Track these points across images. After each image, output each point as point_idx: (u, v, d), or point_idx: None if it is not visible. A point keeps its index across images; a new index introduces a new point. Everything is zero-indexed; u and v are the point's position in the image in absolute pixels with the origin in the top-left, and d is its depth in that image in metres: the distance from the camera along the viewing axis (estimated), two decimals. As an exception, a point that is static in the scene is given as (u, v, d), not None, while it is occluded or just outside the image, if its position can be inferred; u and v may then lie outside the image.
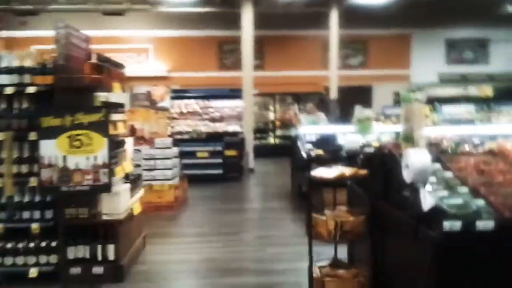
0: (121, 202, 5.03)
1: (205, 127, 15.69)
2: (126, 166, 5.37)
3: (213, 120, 16.36)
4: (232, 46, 18.77)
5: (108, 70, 5.13)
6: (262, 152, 16.85)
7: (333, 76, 17.59)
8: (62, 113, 4.54)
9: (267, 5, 16.73)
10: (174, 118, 16.46)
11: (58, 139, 4.52)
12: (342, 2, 16.68)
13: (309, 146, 8.75)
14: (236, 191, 11.17)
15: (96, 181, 4.68)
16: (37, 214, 4.93)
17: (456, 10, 17.18)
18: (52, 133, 4.50)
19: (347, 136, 6.04)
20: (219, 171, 12.11)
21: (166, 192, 8.52)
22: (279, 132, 18.97)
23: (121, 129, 5.49)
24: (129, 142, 5.92)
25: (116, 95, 5.51)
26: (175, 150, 9.03)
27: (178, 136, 13.13)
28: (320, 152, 8.15)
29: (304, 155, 8.44)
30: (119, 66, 5.63)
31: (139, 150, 8.62)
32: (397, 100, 19.71)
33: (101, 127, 4.63)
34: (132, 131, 9.16)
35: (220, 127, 15.88)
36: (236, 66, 17.42)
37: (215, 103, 15.56)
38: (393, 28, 19.28)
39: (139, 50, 18.94)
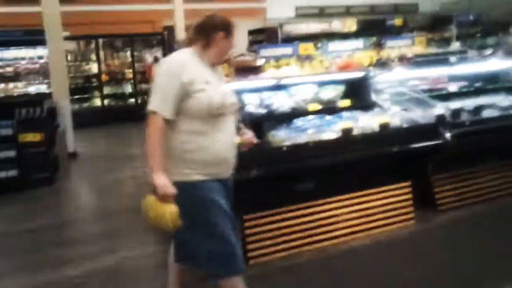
0: None
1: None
2: None
3: (2, 78, 11.17)
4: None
5: None
6: (85, 120, 11.72)
7: (179, 10, 12.85)
8: None
9: None
10: None
11: None
12: None
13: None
14: (46, 215, 5.95)
15: None
16: None
17: None
18: None
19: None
20: (12, 173, 6.89)
21: None
22: (108, 90, 13.56)
23: None
24: None
25: None
26: None
27: None
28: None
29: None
30: None
31: None
32: (255, 41, 15.80)
33: None
34: None
35: (16, 89, 10.85)
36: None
37: (3, 53, 11.00)
38: None
39: None
